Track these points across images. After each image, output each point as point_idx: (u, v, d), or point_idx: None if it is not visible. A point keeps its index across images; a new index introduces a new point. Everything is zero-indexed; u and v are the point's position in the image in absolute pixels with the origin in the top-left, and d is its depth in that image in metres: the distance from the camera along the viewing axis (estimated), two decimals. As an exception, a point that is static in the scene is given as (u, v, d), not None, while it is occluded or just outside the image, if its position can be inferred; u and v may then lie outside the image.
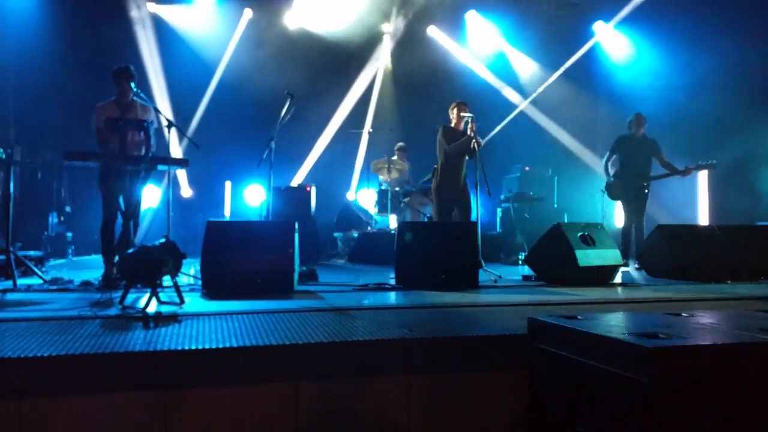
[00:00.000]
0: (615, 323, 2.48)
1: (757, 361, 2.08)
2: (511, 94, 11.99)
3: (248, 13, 11.10)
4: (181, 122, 8.98)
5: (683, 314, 2.77)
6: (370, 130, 10.78)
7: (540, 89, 11.69)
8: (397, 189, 9.29)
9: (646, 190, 7.47)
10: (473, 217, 6.83)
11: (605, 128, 10.86)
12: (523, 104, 11.77)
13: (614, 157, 7.62)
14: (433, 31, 12.21)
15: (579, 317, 2.62)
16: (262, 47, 10.99)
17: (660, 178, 7.51)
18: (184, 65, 10.45)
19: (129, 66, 5.37)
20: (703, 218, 9.81)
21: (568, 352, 2.42)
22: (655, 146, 7.53)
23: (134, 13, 10.14)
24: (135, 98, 5.40)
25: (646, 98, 9.86)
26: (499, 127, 11.43)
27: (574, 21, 11.63)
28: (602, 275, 5.53)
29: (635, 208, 7.50)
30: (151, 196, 8.89)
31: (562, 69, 11.59)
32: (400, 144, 9.95)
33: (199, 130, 10.57)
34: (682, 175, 7.40)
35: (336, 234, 9.94)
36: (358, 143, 11.45)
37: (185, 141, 8.70)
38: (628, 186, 7.46)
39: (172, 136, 5.39)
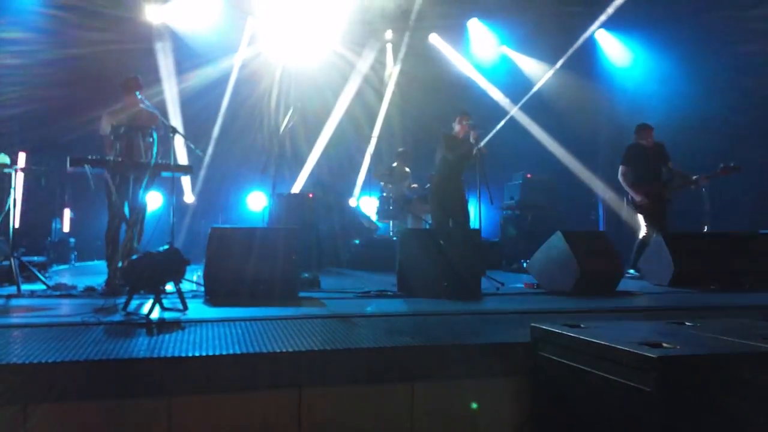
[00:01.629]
0: (618, 332, 2.48)
1: (761, 371, 2.08)
2: (513, 101, 11.99)
3: (252, 21, 11.13)
4: (193, 132, 9.00)
5: (687, 323, 2.77)
6: (373, 137, 10.79)
7: (534, 89, 11.64)
8: (399, 195, 9.29)
9: (667, 199, 7.27)
10: (472, 224, 6.83)
11: (608, 136, 10.89)
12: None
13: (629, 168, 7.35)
14: (435, 39, 12.26)
15: (582, 326, 2.62)
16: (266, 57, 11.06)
17: (677, 189, 7.27)
18: (194, 73, 10.47)
19: (137, 76, 5.46)
20: (707, 226, 9.78)
21: (571, 361, 2.42)
22: (663, 153, 7.34)
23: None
24: (141, 106, 5.45)
25: (650, 105, 9.86)
26: (494, 131, 11.40)
27: (576, 28, 11.64)
28: (605, 284, 5.52)
29: (657, 218, 7.23)
30: (153, 202, 8.90)
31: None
32: (401, 150, 9.97)
33: (203, 138, 10.58)
34: (695, 185, 7.16)
35: (338, 241, 9.94)
36: (361, 150, 11.47)
37: (187, 147, 8.71)
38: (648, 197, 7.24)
39: (177, 144, 5.42)
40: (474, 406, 2.80)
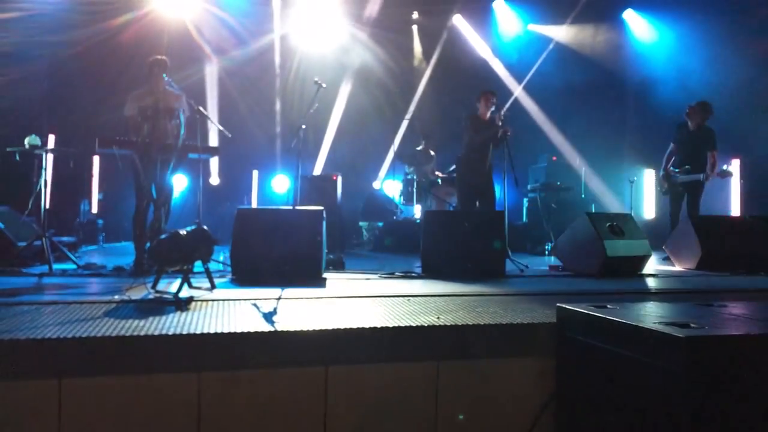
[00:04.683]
0: (646, 313, 2.46)
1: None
2: (538, 81, 11.80)
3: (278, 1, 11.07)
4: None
5: (715, 305, 2.74)
6: (405, 119, 10.69)
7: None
8: (423, 179, 9.27)
9: (699, 182, 6.97)
10: (497, 206, 6.78)
11: (636, 117, 10.71)
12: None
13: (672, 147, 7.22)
14: (459, 21, 12.12)
15: (609, 306, 2.61)
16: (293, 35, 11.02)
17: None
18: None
19: (163, 57, 5.47)
20: (736, 209, 9.61)
21: (598, 341, 2.41)
22: (709, 138, 7.02)
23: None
24: (167, 88, 5.48)
25: (680, 86, 9.63)
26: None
27: (603, 7, 11.40)
28: (631, 266, 5.47)
29: (688, 199, 7.07)
30: (179, 184, 9.00)
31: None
32: (426, 133, 9.91)
33: (226, 119, 10.63)
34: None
35: (361, 223, 9.97)
36: (385, 133, 11.41)
37: (216, 129, 8.75)
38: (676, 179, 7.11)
39: (204, 125, 5.46)
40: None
